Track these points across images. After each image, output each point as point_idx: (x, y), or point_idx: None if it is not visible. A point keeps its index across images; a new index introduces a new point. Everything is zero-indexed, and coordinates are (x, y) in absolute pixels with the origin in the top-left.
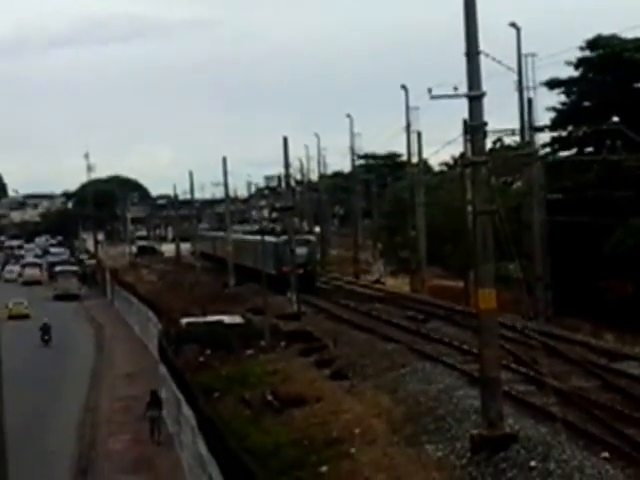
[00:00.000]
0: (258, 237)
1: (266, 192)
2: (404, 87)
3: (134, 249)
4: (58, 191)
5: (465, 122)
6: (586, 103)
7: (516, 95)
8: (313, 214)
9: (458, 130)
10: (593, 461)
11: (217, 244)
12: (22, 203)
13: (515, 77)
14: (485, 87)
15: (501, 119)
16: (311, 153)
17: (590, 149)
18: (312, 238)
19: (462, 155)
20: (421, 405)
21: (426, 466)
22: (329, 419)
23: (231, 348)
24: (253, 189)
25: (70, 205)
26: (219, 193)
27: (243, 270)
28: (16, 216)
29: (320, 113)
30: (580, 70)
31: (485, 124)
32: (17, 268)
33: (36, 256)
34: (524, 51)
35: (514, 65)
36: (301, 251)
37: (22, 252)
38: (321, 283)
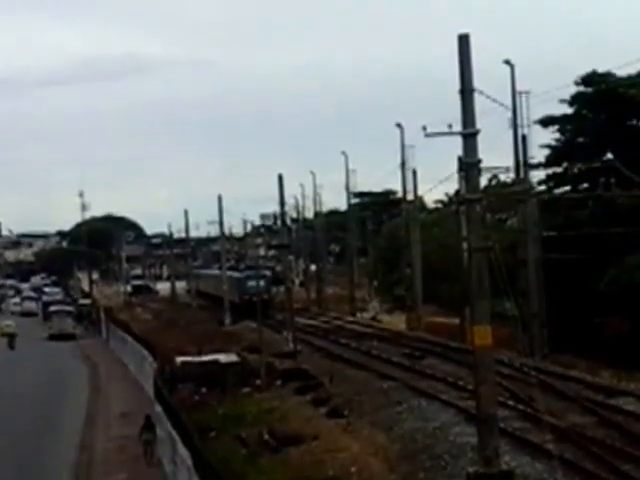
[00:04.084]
0: (228, 273)
1: (262, 230)
2: (399, 125)
3: (129, 288)
4: (52, 230)
5: (460, 159)
6: (580, 140)
7: (510, 132)
8: (309, 252)
9: (453, 167)
10: None
11: (210, 282)
12: (16, 242)
13: (509, 114)
14: (479, 124)
15: (496, 156)
16: (307, 191)
17: (585, 186)
18: (267, 273)
19: (457, 192)
20: (417, 443)
21: None
22: (325, 457)
23: (227, 387)
24: (249, 227)
25: (65, 244)
26: (214, 231)
27: (217, 299)
28: (10, 255)
29: (315, 151)
30: (574, 107)
31: (479, 161)
32: (19, 300)
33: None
34: (518, 88)
35: (508, 102)
36: (257, 283)
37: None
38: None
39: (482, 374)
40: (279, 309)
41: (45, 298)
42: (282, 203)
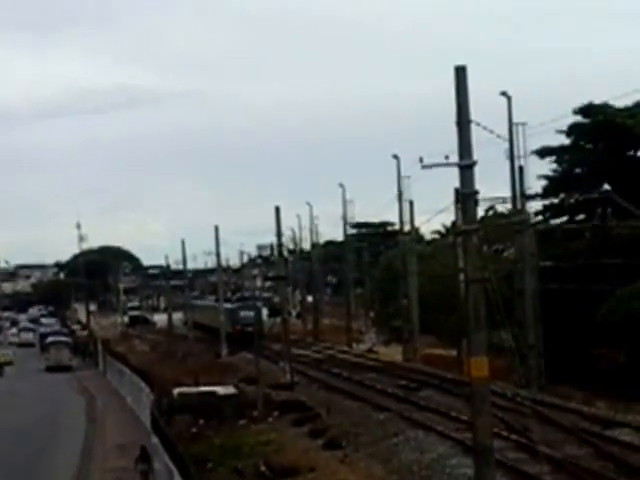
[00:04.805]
0: (215, 303)
1: (259, 261)
2: (395, 156)
3: (126, 319)
4: (50, 261)
5: (456, 191)
6: (577, 171)
7: (507, 163)
8: (306, 283)
9: (450, 198)
10: None
11: (204, 313)
12: (13, 274)
13: (506, 145)
14: (476, 155)
15: (492, 187)
16: (303, 222)
17: (581, 217)
18: (258, 304)
19: (454, 223)
20: (415, 474)
21: None
22: None
23: (224, 418)
24: (245, 258)
25: (62, 275)
26: (211, 262)
27: (212, 330)
28: (7, 287)
29: (312, 182)
30: (571, 138)
31: (476, 192)
32: (16, 331)
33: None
34: (515, 120)
35: (505, 133)
36: (249, 314)
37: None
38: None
39: (478, 405)
40: (275, 340)
41: (42, 329)
42: (279, 234)
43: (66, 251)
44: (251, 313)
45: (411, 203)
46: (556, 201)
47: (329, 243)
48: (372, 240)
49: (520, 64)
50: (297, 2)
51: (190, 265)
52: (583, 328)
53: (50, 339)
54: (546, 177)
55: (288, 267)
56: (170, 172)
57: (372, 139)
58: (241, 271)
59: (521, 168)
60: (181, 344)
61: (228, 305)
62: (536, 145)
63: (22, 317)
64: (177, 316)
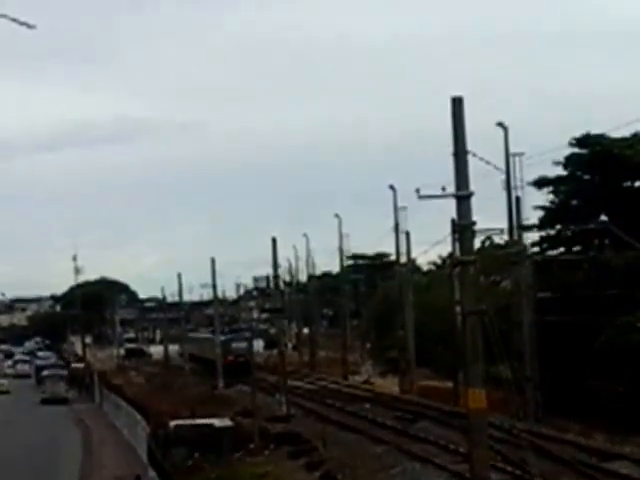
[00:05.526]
0: (211, 335)
1: (255, 293)
2: (392, 187)
3: (122, 352)
4: (46, 294)
5: (453, 222)
6: (574, 202)
7: (504, 194)
8: (302, 315)
9: (447, 229)
10: None
11: (198, 345)
12: (10, 307)
13: (503, 176)
14: (473, 186)
15: (489, 218)
16: (300, 253)
17: (579, 248)
18: (248, 335)
19: (451, 255)
20: None
21: None
22: None
23: (220, 451)
24: (242, 290)
25: (58, 308)
26: (208, 294)
27: (206, 361)
28: (4, 320)
29: (308, 213)
30: (568, 169)
31: (473, 224)
32: (11, 363)
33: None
34: (512, 150)
35: (502, 164)
36: (240, 345)
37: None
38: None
39: (476, 437)
40: (271, 372)
41: (38, 362)
42: (275, 266)
43: (62, 283)
44: (243, 344)
45: (408, 234)
46: (553, 232)
47: (325, 275)
48: (368, 271)
49: (517, 95)
50: (294, 31)
51: (186, 297)
52: (580, 360)
53: (46, 372)
54: (543, 208)
55: (284, 299)
56: (167, 204)
57: (369, 170)
58: (237, 303)
59: (518, 199)
60: (177, 376)
61: (220, 337)
62: (533, 176)
63: (18, 350)
64: (174, 348)
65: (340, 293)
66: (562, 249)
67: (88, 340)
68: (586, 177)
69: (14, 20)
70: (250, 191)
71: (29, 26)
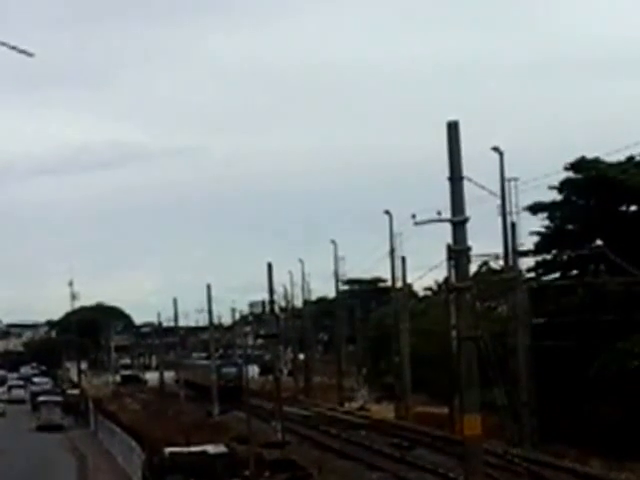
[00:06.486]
0: (204, 362)
1: (250, 319)
2: (388, 212)
3: (118, 378)
4: (42, 319)
5: (449, 247)
6: (569, 226)
7: (500, 219)
8: (297, 340)
9: (442, 254)
10: None
11: (192, 370)
12: (5, 332)
13: (498, 201)
14: (468, 212)
15: (485, 243)
16: (295, 278)
17: (574, 273)
18: (239, 361)
19: (446, 280)
20: None
21: None
22: None
23: (216, 478)
24: (237, 315)
25: (54, 334)
26: (203, 320)
27: (201, 387)
28: None
29: (304, 239)
30: (563, 193)
31: (469, 249)
32: (6, 389)
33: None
34: (507, 175)
35: (497, 189)
36: (230, 370)
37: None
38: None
39: (471, 464)
40: (266, 398)
41: (33, 388)
42: (271, 291)
43: (59, 309)
44: (233, 369)
45: (403, 259)
46: (549, 257)
47: (321, 300)
48: (364, 297)
49: (512, 120)
50: (292, 56)
51: (182, 323)
52: (577, 384)
53: (41, 398)
54: (538, 233)
55: (280, 324)
56: (162, 229)
57: (364, 195)
58: (233, 328)
59: (513, 224)
60: (172, 403)
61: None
62: (528, 201)
63: (13, 376)
64: (169, 374)
65: (335, 318)
66: (557, 274)
67: (83, 366)
68: (581, 202)
69: (13, 48)
70: (246, 217)
71: (28, 54)
